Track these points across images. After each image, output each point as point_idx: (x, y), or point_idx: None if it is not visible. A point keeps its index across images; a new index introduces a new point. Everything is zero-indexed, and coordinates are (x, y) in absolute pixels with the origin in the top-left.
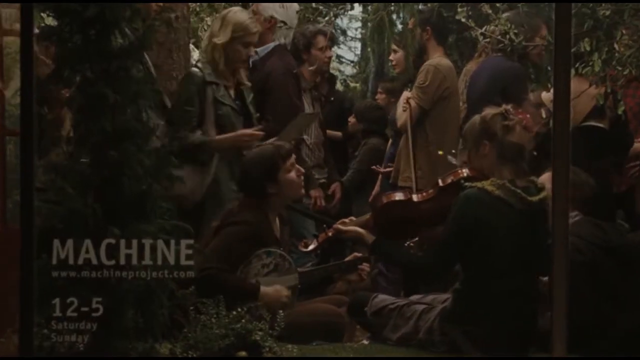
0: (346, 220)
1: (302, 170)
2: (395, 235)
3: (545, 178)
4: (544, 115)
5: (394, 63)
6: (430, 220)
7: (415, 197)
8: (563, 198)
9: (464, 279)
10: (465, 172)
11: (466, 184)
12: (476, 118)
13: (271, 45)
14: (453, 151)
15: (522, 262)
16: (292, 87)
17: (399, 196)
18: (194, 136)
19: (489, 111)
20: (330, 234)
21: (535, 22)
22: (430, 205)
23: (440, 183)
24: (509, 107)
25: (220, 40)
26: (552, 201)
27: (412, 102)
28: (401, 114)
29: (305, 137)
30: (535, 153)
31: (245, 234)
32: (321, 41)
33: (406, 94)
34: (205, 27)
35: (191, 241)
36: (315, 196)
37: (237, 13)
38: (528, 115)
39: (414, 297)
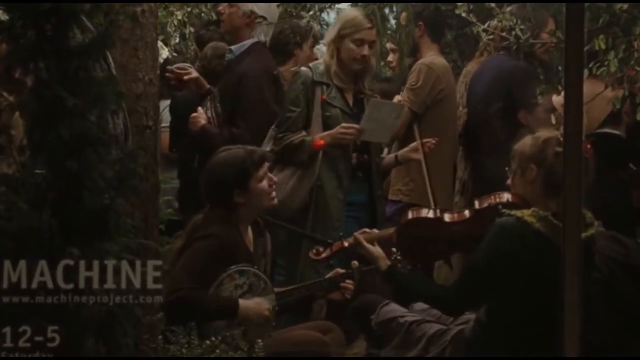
0: (368, 230)
1: (275, 179)
2: (416, 256)
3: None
4: (554, 121)
5: (393, 64)
6: (460, 244)
7: (447, 217)
8: (575, 212)
9: (489, 310)
10: (506, 196)
11: (504, 210)
12: (528, 139)
13: (248, 42)
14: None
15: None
16: (270, 90)
17: (427, 213)
18: (294, 136)
19: (544, 133)
20: (346, 244)
21: (542, 16)
22: (463, 228)
23: (477, 205)
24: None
25: (328, 37)
26: (563, 215)
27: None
28: None
29: None
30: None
31: (215, 248)
32: (311, 39)
33: (398, 97)
34: (175, 22)
35: (159, 262)
36: None
37: (349, 10)
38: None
39: (427, 313)
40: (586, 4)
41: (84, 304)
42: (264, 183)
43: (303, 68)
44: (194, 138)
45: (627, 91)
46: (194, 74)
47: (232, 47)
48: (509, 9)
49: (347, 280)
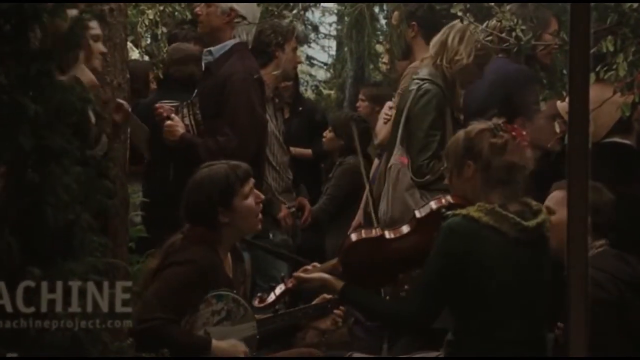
0: (309, 267)
1: (262, 196)
2: (367, 282)
3: (556, 199)
4: (557, 129)
5: (389, 67)
6: (409, 260)
7: (387, 234)
8: (580, 228)
9: (457, 328)
10: (446, 199)
11: (448, 212)
12: (460, 134)
13: (229, 43)
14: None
15: (525, 304)
16: (256, 94)
17: (367, 233)
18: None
19: (475, 126)
20: (290, 285)
21: (545, 16)
22: (408, 242)
23: (417, 214)
24: (499, 121)
25: (465, 60)
26: (567, 231)
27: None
28: (381, 128)
29: (269, 155)
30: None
31: (192, 275)
32: (295, 41)
33: (389, 103)
34: (146, 22)
35: (129, 283)
36: (282, 216)
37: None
38: (524, 132)
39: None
40: (592, 3)
41: (47, 329)
42: (250, 200)
43: (427, 84)
44: (171, 149)
45: (638, 97)
46: (178, 129)
47: (212, 49)
48: (508, 7)
49: (339, 308)
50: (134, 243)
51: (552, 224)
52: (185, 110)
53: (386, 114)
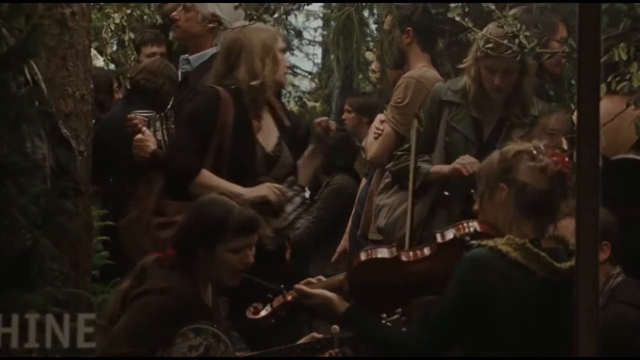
0: (313, 280)
1: (252, 260)
2: (374, 305)
3: (565, 226)
4: (565, 146)
5: (377, 75)
6: (423, 287)
7: (404, 256)
8: (590, 255)
9: (468, 356)
10: (473, 225)
11: (473, 242)
12: (495, 154)
13: (209, 52)
14: (446, 193)
15: (543, 349)
16: (238, 108)
17: (382, 253)
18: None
19: (513, 146)
20: (290, 297)
21: (552, 21)
22: (424, 267)
23: (439, 239)
24: (540, 144)
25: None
26: (576, 257)
27: (387, 127)
28: (372, 143)
29: None
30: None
31: (169, 306)
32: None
33: (380, 116)
34: (112, 27)
35: (92, 316)
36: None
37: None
38: (567, 159)
39: None
40: (603, 6)
41: None
42: (235, 257)
43: (439, 83)
44: (141, 166)
45: None
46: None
47: (190, 57)
48: (511, 12)
49: (330, 352)
50: (98, 271)
51: None
52: (157, 124)
53: (377, 129)
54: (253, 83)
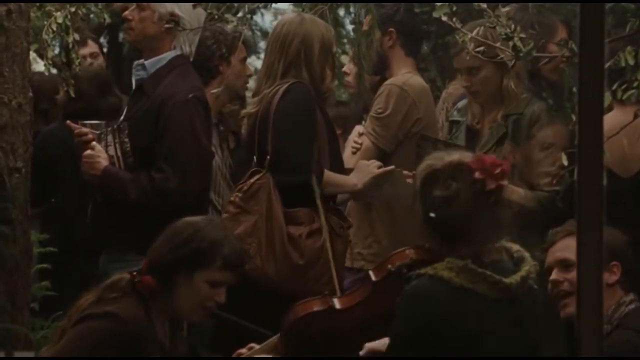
0: (243, 350)
1: (223, 301)
2: (323, 357)
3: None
4: (565, 162)
5: (348, 80)
6: (370, 329)
7: (339, 304)
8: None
9: None
10: (407, 254)
11: (410, 273)
12: (425, 163)
13: (167, 56)
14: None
15: None
16: (201, 119)
17: (314, 306)
18: None
19: (430, 163)
20: None
21: (550, 21)
22: (364, 310)
23: (374, 277)
24: (454, 158)
25: None
26: (577, 284)
27: (366, 141)
28: (349, 158)
29: (213, 196)
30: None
31: (112, 332)
32: (243, 50)
33: (359, 128)
34: (54, 27)
35: (31, 354)
36: None
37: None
38: (496, 170)
39: None
40: (608, 5)
41: None
42: (208, 290)
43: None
44: (90, 186)
45: None
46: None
47: (145, 62)
48: (505, 9)
49: None
50: (38, 304)
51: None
52: (109, 138)
53: (355, 142)
54: (214, 91)
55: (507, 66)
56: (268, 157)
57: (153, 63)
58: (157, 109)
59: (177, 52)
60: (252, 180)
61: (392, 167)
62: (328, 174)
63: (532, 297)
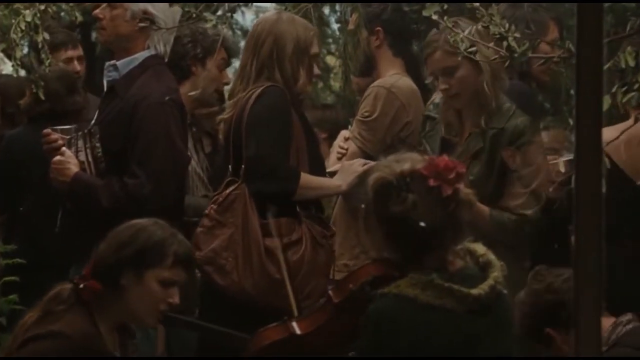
0: None
1: (178, 301)
2: None
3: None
4: (562, 169)
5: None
6: (336, 348)
7: (298, 329)
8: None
9: None
10: (369, 271)
11: (373, 292)
12: (376, 174)
13: (141, 56)
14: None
15: None
16: (176, 124)
17: (273, 335)
18: None
19: (381, 175)
20: None
21: (542, 19)
22: (326, 334)
23: (334, 298)
24: (405, 166)
25: None
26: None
27: (352, 146)
28: (334, 164)
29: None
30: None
31: (59, 355)
32: (223, 54)
33: (345, 133)
34: (22, 26)
35: None
36: None
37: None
38: (451, 175)
39: None
40: (606, 4)
41: None
42: (162, 291)
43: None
44: (59, 193)
45: None
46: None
47: (117, 63)
48: (497, 6)
49: None
50: (5, 318)
51: None
52: (80, 143)
53: (341, 147)
54: (191, 94)
55: (481, 67)
56: (243, 166)
57: (125, 63)
58: (130, 111)
59: (151, 52)
60: (227, 191)
61: (377, 162)
62: (307, 177)
63: (501, 303)
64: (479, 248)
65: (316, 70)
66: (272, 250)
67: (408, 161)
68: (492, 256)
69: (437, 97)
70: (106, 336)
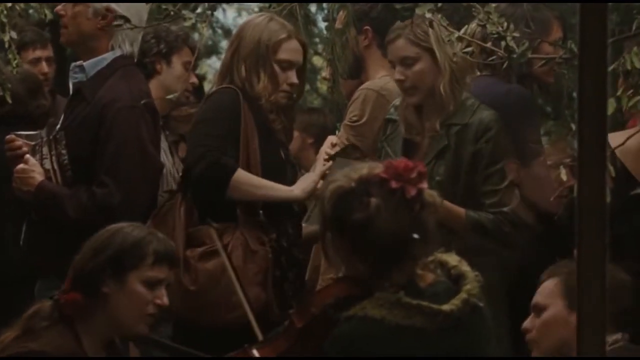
0: None
1: (166, 302)
2: None
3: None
4: (564, 177)
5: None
6: None
7: (256, 353)
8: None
9: None
10: (333, 292)
11: (337, 315)
12: (333, 185)
13: (108, 57)
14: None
15: None
16: (148, 128)
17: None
18: None
19: (337, 185)
20: None
21: (544, 17)
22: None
23: (296, 323)
24: (375, 170)
25: None
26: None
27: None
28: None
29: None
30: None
31: None
32: (188, 53)
33: (332, 139)
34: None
35: None
36: None
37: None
38: (412, 175)
39: None
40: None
41: None
42: (147, 292)
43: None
44: (23, 203)
45: None
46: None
47: (84, 64)
48: (493, 5)
49: None
50: None
51: (544, 324)
52: (45, 150)
53: (327, 153)
54: (170, 97)
55: (441, 65)
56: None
57: (93, 64)
58: (98, 115)
59: (121, 52)
60: (164, 203)
61: (330, 163)
62: (249, 176)
63: (477, 317)
64: (451, 259)
65: (292, 79)
66: (188, 261)
67: (365, 167)
68: (465, 267)
69: (397, 100)
70: (92, 353)
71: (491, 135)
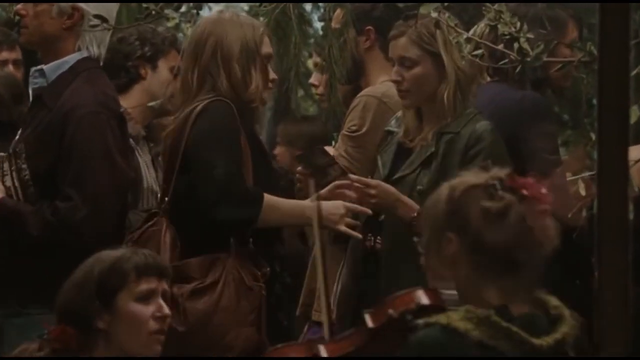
0: None
1: (168, 312)
2: None
3: None
4: (583, 192)
5: (317, 89)
6: None
7: (323, 351)
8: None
9: None
10: (418, 297)
11: (418, 321)
12: (442, 189)
13: (71, 59)
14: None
15: None
16: (115, 135)
17: (296, 352)
18: None
19: (464, 179)
20: None
21: (559, 17)
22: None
23: (370, 323)
24: (501, 173)
25: None
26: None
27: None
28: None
29: None
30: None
31: None
32: (177, 57)
33: (330, 150)
34: None
35: None
36: None
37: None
38: (543, 190)
39: None
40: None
41: None
42: (143, 307)
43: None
44: None
45: None
46: None
47: (44, 67)
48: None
49: None
50: None
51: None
52: (5, 166)
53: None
54: (153, 104)
55: (446, 73)
56: (166, 198)
57: (53, 68)
58: (60, 122)
59: (83, 54)
60: (144, 228)
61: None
62: (271, 198)
63: None
64: (552, 300)
65: (272, 75)
66: (176, 299)
67: (486, 173)
68: (566, 311)
69: (400, 112)
70: None
71: (482, 147)
